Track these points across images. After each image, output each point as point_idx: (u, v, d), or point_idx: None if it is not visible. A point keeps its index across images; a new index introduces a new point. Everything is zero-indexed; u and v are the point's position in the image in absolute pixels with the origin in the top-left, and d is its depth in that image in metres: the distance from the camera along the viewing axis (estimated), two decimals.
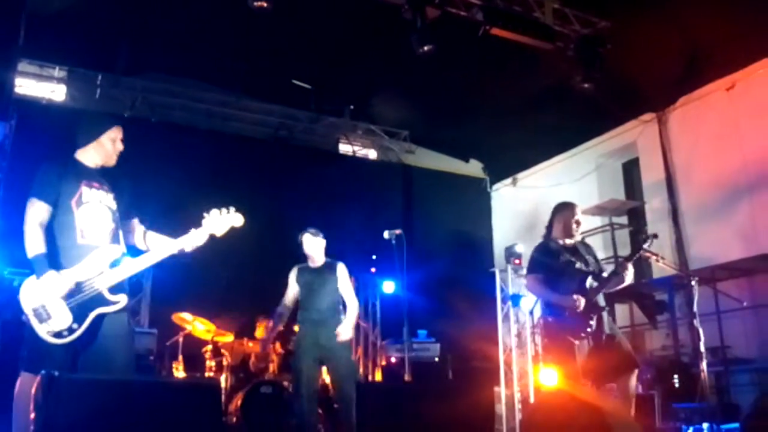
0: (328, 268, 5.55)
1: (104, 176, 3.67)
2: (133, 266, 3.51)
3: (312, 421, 5.22)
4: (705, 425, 5.38)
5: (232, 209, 3.64)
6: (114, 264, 3.46)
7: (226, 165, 8.98)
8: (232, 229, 3.66)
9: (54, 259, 3.37)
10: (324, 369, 5.48)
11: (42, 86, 8.88)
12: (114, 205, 3.63)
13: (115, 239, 3.57)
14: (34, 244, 3.34)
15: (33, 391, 2.80)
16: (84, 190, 3.53)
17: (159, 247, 3.60)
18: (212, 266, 7.44)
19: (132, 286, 3.63)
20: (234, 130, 9.84)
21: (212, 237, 3.63)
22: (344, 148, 11.01)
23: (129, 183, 3.80)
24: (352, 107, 10.46)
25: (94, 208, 3.53)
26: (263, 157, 9.63)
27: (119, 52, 8.87)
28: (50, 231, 3.43)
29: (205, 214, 3.60)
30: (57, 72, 8.92)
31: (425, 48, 6.49)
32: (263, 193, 8.90)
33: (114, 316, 3.45)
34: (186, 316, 6.60)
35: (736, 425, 5.48)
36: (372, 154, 11.30)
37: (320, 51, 8.58)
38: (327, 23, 7.86)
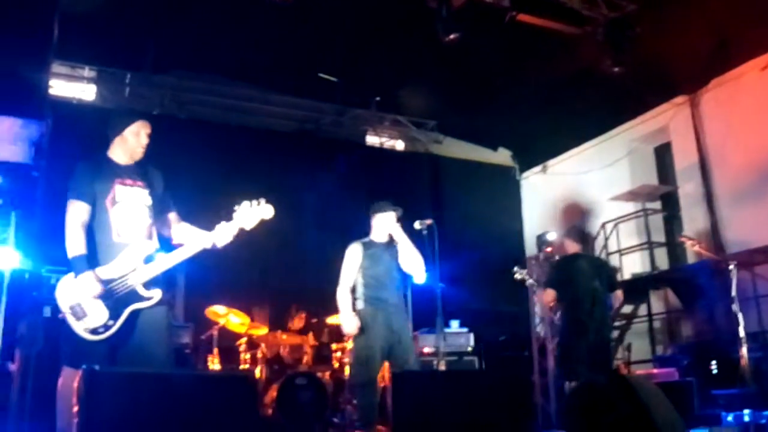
0: (392, 245, 5.20)
1: (138, 172, 3.72)
2: (166, 261, 3.55)
3: (376, 413, 4.76)
4: (746, 411, 5.28)
5: (263, 201, 3.66)
6: (148, 260, 3.51)
7: (254, 159, 9.02)
8: (263, 222, 3.68)
9: (91, 256, 3.44)
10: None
11: (72, 86, 9.00)
12: (149, 201, 3.68)
13: (149, 235, 3.62)
14: (75, 244, 3.41)
15: (75, 384, 2.86)
16: (118, 188, 3.58)
17: (191, 241, 3.64)
18: (244, 259, 7.49)
19: (167, 280, 3.67)
20: (261, 124, 9.89)
21: (242, 230, 3.66)
22: (371, 139, 11.00)
23: (162, 176, 3.85)
24: (378, 99, 10.44)
25: (128, 206, 3.59)
26: (291, 150, 9.66)
27: (147, 51, 8.96)
28: (88, 230, 3.49)
29: (236, 207, 3.63)
30: (87, 72, 9.04)
31: (451, 36, 6.45)
32: (292, 186, 8.92)
33: (151, 311, 3.50)
34: (220, 309, 6.66)
35: None
36: (399, 145, 11.27)
37: (345, 43, 8.57)
38: (351, 15, 7.84)
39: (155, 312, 3.52)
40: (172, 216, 3.84)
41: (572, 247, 6.24)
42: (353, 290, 5.11)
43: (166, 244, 3.76)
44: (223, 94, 9.65)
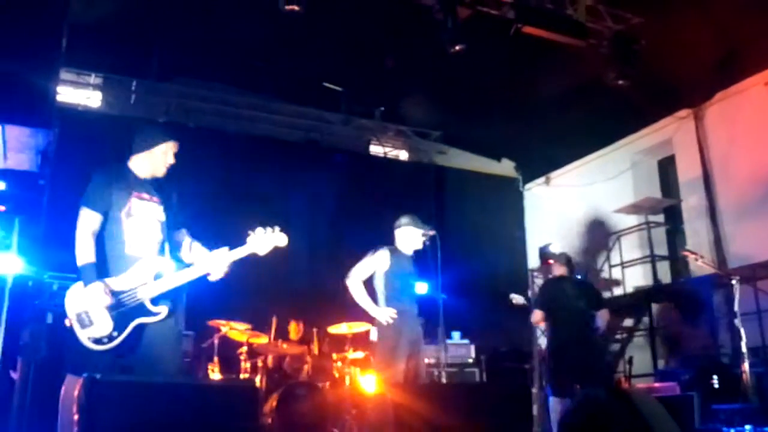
0: (413, 260, 5.37)
1: (154, 187, 3.73)
2: (176, 278, 3.55)
3: None
4: (747, 427, 5.26)
5: (277, 228, 3.67)
6: (158, 275, 3.51)
7: (259, 168, 9.03)
8: (276, 249, 3.69)
9: (101, 267, 3.45)
10: None
11: (78, 93, 9.04)
12: (163, 217, 3.69)
13: (161, 251, 3.63)
14: (85, 253, 3.42)
15: (75, 393, 2.86)
16: (134, 201, 3.59)
17: (202, 261, 3.64)
18: (247, 267, 7.48)
19: (177, 294, 3.65)
20: (266, 133, 9.90)
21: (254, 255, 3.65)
22: (375, 149, 11.02)
23: (176, 194, 3.86)
24: (382, 108, 10.46)
25: (142, 220, 3.59)
26: (295, 159, 9.67)
27: (153, 58, 9.00)
28: (99, 240, 3.51)
29: (250, 232, 3.63)
30: (93, 79, 9.08)
31: (456, 48, 6.47)
32: (295, 195, 8.94)
33: (159, 323, 3.50)
34: (221, 321, 6.67)
35: None
36: (403, 155, 11.28)
37: (351, 53, 8.60)
38: (357, 25, 7.86)
39: (163, 324, 3.52)
40: (183, 234, 3.85)
41: (559, 269, 6.67)
42: (374, 299, 5.14)
43: (178, 261, 3.76)
44: (229, 102, 9.67)
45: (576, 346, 6.16)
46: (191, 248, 3.84)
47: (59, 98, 8.54)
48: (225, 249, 3.64)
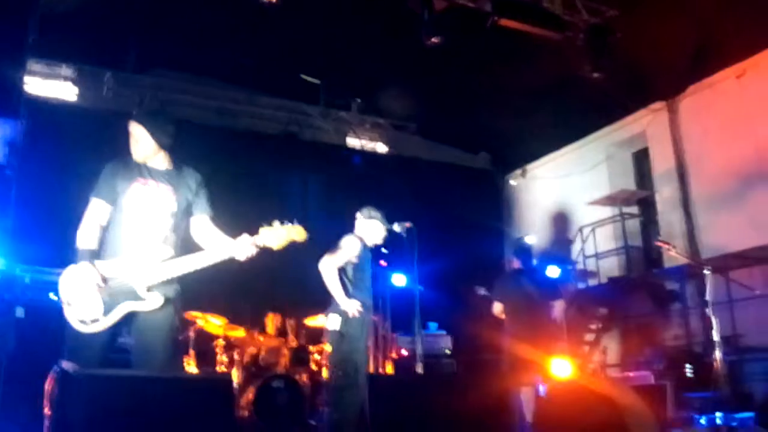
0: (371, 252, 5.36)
1: (166, 174, 3.63)
2: (178, 267, 3.46)
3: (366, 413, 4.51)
4: (718, 414, 5.35)
5: (295, 222, 3.50)
6: (157, 263, 3.44)
7: (235, 160, 8.95)
8: (292, 243, 3.49)
9: (99, 250, 3.42)
10: None
11: (51, 85, 8.88)
12: (173, 206, 3.58)
13: (164, 239, 3.51)
14: (85, 239, 3.41)
15: (48, 386, 2.82)
16: (137, 188, 3.51)
17: (211, 249, 3.53)
18: (223, 260, 7.43)
19: (178, 283, 3.56)
20: (244, 126, 9.82)
21: (267, 249, 3.49)
22: (352, 141, 10.99)
23: (197, 179, 3.74)
24: (359, 101, 10.44)
25: (145, 207, 3.50)
26: (273, 152, 9.61)
27: (128, 50, 8.88)
28: (104, 228, 3.47)
29: (263, 224, 3.47)
30: (65, 70, 8.93)
31: (433, 40, 6.46)
32: (273, 188, 8.89)
33: (152, 313, 3.43)
34: (197, 313, 6.62)
35: (750, 414, 5.45)
36: (380, 147, 11.26)
37: (328, 45, 8.56)
38: (334, 17, 7.84)
39: (157, 314, 3.45)
40: (198, 219, 3.69)
41: (516, 263, 6.89)
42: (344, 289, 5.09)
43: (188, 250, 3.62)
44: (206, 95, 9.58)
45: (532, 336, 6.25)
46: (204, 234, 3.69)
47: (31, 90, 8.41)
48: (244, 236, 3.47)
